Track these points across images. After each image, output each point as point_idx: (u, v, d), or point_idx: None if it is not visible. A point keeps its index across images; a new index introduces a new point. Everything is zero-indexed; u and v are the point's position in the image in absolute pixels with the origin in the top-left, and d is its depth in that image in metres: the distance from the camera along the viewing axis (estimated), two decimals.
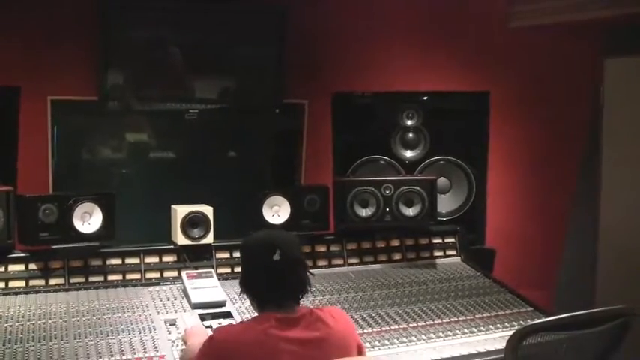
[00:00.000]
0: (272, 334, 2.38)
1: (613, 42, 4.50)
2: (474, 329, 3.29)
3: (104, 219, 3.45)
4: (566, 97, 4.73)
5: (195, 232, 3.60)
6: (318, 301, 3.44)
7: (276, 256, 2.48)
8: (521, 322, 3.36)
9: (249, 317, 2.90)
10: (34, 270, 3.34)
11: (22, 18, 3.81)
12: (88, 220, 3.43)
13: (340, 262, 3.87)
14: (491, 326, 3.33)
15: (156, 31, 4.01)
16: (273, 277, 2.49)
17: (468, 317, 3.41)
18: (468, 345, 3.15)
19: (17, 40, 3.81)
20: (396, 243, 4.02)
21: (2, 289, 3.25)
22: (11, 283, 3.28)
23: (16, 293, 3.26)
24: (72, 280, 3.38)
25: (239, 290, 2.60)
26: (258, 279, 2.52)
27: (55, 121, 3.99)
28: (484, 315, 3.45)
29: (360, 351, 2.60)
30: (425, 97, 4.55)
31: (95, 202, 3.44)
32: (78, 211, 3.40)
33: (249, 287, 2.56)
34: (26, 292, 3.28)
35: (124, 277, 3.47)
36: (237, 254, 3.60)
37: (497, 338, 3.21)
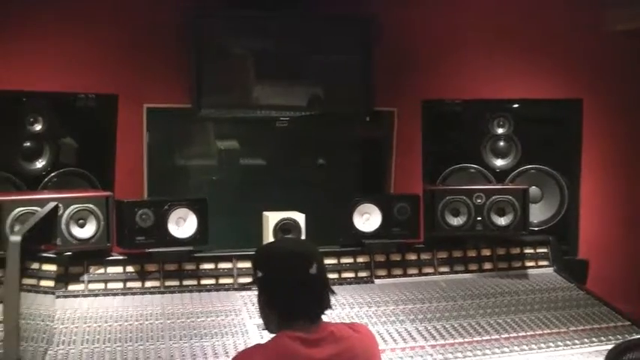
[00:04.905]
0: (300, 354, 2.21)
1: None
2: (568, 342, 3.22)
3: (198, 224, 3.52)
4: None
5: None
6: (409, 310, 3.43)
7: (313, 270, 2.31)
8: (618, 336, 3.27)
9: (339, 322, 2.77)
10: (131, 272, 3.44)
11: (119, 29, 3.95)
12: (183, 225, 3.52)
13: (431, 270, 3.85)
14: (586, 340, 3.25)
15: (246, 40, 4.08)
16: (306, 293, 2.31)
17: (562, 330, 3.34)
18: (562, 358, 3.09)
19: (115, 50, 3.95)
20: (487, 252, 3.97)
21: (102, 290, 3.37)
22: (110, 285, 3.39)
23: (115, 294, 3.37)
24: (167, 284, 3.47)
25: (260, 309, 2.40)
26: (288, 295, 2.30)
27: (150, 127, 4.10)
28: (578, 328, 3.37)
29: None
30: (516, 105, 4.49)
31: (189, 207, 3.52)
32: (173, 216, 3.49)
33: (275, 304, 2.33)
34: (124, 294, 3.38)
35: (216, 281, 3.54)
36: (329, 261, 3.62)
37: (592, 352, 3.13)
